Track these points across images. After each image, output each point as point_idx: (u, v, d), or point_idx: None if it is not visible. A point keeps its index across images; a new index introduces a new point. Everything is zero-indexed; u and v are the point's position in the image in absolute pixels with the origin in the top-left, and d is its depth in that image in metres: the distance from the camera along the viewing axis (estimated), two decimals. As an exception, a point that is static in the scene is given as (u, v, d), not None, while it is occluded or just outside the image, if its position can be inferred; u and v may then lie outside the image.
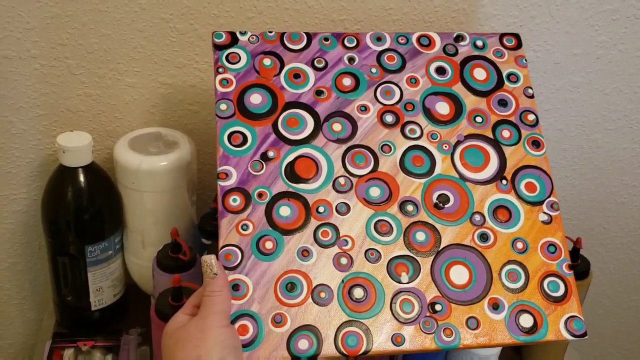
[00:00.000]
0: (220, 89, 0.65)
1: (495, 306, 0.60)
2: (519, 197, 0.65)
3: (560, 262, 0.63)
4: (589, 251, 1.03)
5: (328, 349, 0.57)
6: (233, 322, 0.56)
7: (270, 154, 0.63)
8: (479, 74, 0.69)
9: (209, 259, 0.56)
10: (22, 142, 0.81)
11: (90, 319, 0.79)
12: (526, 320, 0.60)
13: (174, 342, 0.54)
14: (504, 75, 0.70)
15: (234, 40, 0.67)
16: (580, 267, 0.75)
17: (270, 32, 0.68)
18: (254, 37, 0.67)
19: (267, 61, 0.67)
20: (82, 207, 0.75)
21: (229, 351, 0.53)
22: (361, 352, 0.57)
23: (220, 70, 0.65)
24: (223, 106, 0.64)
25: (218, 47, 0.67)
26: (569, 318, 0.61)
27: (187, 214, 0.79)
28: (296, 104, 0.65)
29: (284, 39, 0.68)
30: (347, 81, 0.67)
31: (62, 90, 0.79)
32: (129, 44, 0.78)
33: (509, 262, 0.62)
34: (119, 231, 0.78)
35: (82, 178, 0.73)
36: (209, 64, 0.79)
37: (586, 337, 0.60)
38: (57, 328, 0.81)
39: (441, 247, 0.62)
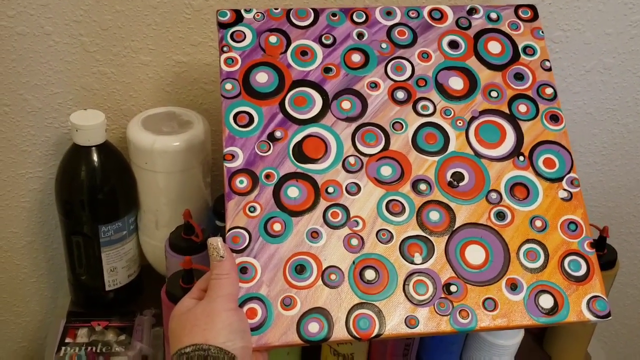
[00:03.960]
0: (225, 68, 0.63)
1: (514, 287, 0.58)
2: (537, 173, 0.62)
3: (582, 240, 0.60)
4: (617, 240, 1.00)
5: (339, 332, 0.55)
6: (241, 305, 0.55)
7: (278, 134, 0.61)
8: (494, 47, 0.67)
9: (215, 242, 0.54)
10: (37, 120, 0.81)
11: (105, 299, 0.79)
12: (546, 301, 0.57)
13: (181, 327, 0.52)
14: (520, 48, 0.67)
15: (238, 18, 0.65)
16: (606, 256, 0.71)
17: (276, 9, 0.66)
18: (260, 14, 0.66)
19: (273, 39, 0.65)
20: (95, 186, 0.74)
21: (236, 335, 0.52)
22: (373, 335, 0.55)
23: (225, 49, 0.64)
24: (228, 86, 0.63)
25: (222, 26, 0.65)
26: (591, 298, 0.58)
27: (201, 195, 0.78)
28: (304, 82, 0.63)
29: (290, 15, 0.66)
30: (357, 57, 0.65)
31: (76, 68, 0.78)
32: (143, 21, 0.77)
33: (527, 241, 0.59)
34: (133, 211, 0.77)
35: (95, 157, 0.72)
36: None
37: (610, 317, 0.58)
38: (72, 307, 0.81)
39: (456, 226, 0.59)
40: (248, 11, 0.66)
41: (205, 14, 0.77)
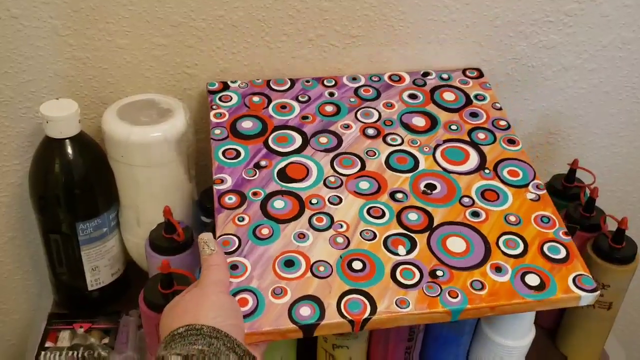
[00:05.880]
0: (214, 120, 0.72)
1: (498, 269, 0.59)
2: (504, 182, 0.67)
3: (556, 230, 0.63)
4: (636, 225, 0.90)
5: (331, 315, 0.55)
6: (233, 296, 0.56)
7: (263, 163, 0.67)
8: (448, 96, 0.77)
9: (205, 237, 0.57)
10: (10, 111, 0.75)
11: (89, 298, 0.74)
12: (532, 280, 0.59)
13: (172, 316, 0.53)
14: (471, 95, 0.77)
15: (225, 87, 0.76)
16: (624, 250, 0.67)
17: (258, 79, 0.77)
18: (244, 83, 0.76)
19: (256, 98, 0.74)
20: (70, 182, 0.69)
21: (227, 312, 0.52)
22: (366, 316, 0.55)
23: (214, 107, 0.73)
24: (217, 131, 0.70)
25: (211, 92, 0.75)
26: (576, 276, 0.59)
27: (184, 189, 0.74)
28: (284, 127, 0.71)
29: (270, 83, 0.77)
30: (330, 108, 0.74)
31: (48, 53, 0.73)
32: (118, 0, 0.71)
33: (505, 233, 0.62)
34: (113, 207, 0.74)
35: (69, 150, 0.68)
36: (207, 21, 0.74)
37: (597, 292, 0.58)
38: (56, 308, 0.75)
39: (434, 224, 0.63)
40: (233, 82, 0.76)
41: None
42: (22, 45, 0.72)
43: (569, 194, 0.74)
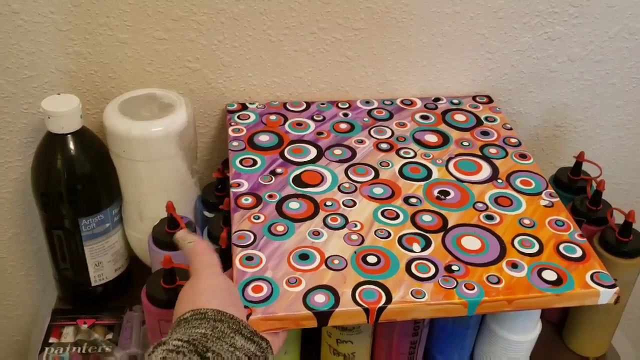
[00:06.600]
0: (232, 134, 0.74)
1: (514, 266, 0.59)
2: (517, 190, 0.68)
3: (572, 232, 0.63)
4: None
5: (346, 303, 0.54)
6: (247, 285, 0.55)
7: (279, 170, 0.69)
8: (459, 117, 0.79)
9: (178, 235, 0.58)
10: (12, 107, 0.76)
11: (92, 294, 0.73)
12: (550, 275, 0.58)
13: (178, 305, 0.52)
14: (482, 117, 0.79)
15: (244, 107, 0.79)
16: (631, 244, 0.66)
17: (275, 101, 0.80)
18: (261, 105, 0.79)
19: (273, 117, 0.77)
20: (73, 177, 0.68)
21: (220, 292, 0.52)
22: (381, 304, 0.54)
23: (232, 124, 0.75)
24: (235, 143, 0.72)
25: (230, 112, 0.78)
26: (593, 273, 0.59)
27: (187, 184, 0.74)
28: (300, 140, 0.73)
29: (287, 105, 0.79)
30: (344, 125, 0.76)
31: (49, 48, 0.73)
32: None
33: (520, 234, 0.62)
34: (116, 203, 0.73)
35: (71, 146, 0.68)
36: (208, 15, 0.74)
37: (616, 288, 0.57)
38: (59, 303, 0.74)
39: (449, 226, 0.63)
40: (252, 104, 0.79)
41: None
42: (23, 41, 0.72)
43: (575, 187, 0.74)
